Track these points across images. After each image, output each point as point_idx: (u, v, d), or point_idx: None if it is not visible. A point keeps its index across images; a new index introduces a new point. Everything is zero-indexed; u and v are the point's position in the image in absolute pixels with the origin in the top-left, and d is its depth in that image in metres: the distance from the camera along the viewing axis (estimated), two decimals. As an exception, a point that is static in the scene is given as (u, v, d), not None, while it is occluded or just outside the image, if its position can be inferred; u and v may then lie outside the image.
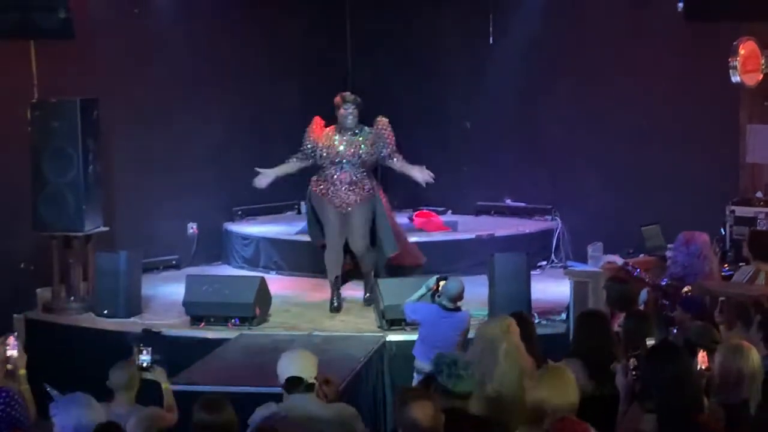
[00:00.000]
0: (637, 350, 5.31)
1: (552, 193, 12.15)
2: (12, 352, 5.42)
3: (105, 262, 9.80)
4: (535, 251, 11.23)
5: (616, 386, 5.31)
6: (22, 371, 5.45)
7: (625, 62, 11.44)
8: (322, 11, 13.14)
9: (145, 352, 6.16)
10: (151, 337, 6.98)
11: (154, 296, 10.42)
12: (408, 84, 13.02)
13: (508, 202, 12.65)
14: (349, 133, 9.75)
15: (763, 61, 10.33)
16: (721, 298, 7.07)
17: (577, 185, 11.89)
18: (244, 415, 5.33)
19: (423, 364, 7.54)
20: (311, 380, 5.42)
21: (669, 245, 9.33)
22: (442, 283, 7.89)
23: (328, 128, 9.85)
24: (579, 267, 9.67)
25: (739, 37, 10.25)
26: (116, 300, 9.69)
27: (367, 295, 9.91)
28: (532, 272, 9.73)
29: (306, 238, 10.53)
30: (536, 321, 9.01)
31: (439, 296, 7.81)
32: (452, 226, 11.99)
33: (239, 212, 12.45)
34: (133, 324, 9.36)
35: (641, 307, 7.38)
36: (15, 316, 9.84)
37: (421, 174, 10.04)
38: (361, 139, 9.76)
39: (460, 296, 7.76)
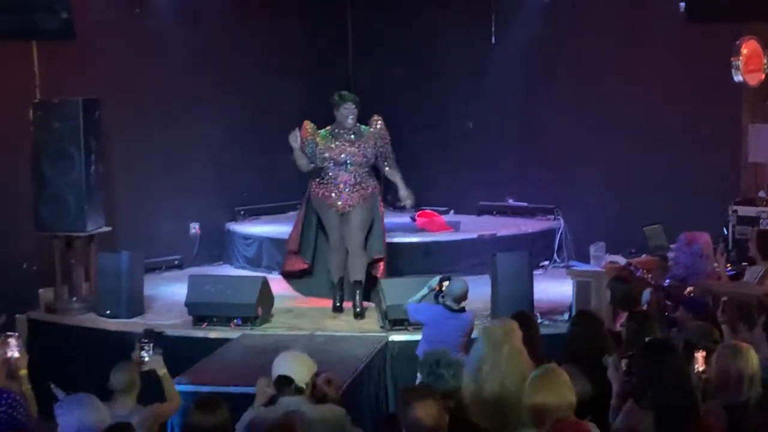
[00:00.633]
0: (630, 351, 5.30)
1: (554, 193, 12.14)
2: (13, 352, 5.42)
3: (107, 262, 9.80)
4: (538, 251, 11.23)
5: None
6: (24, 371, 5.45)
7: (627, 62, 11.43)
8: (322, 11, 13.14)
9: (146, 348, 6.17)
10: (153, 338, 6.98)
11: (156, 296, 10.42)
12: (409, 84, 13.01)
13: (511, 201, 12.64)
14: (350, 133, 9.64)
15: (765, 61, 10.34)
16: (724, 298, 7.06)
17: (579, 185, 11.88)
18: (246, 415, 5.34)
19: None
20: (302, 384, 5.41)
21: (671, 245, 9.32)
22: (445, 283, 7.87)
23: (322, 130, 9.67)
24: (581, 267, 9.68)
25: (741, 37, 10.25)
26: (118, 300, 9.69)
27: (358, 310, 9.58)
28: (534, 272, 9.73)
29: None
30: (539, 321, 9.04)
31: (443, 297, 7.79)
32: (454, 226, 11.97)
33: (241, 212, 12.45)
34: (135, 324, 9.35)
35: (644, 308, 7.37)
36: (17, 316, 9.84)
37: (406, 193, 9.92)
38: (363, 138, 9.66)
39: (464, 297, 7.75)
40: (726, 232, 10.12)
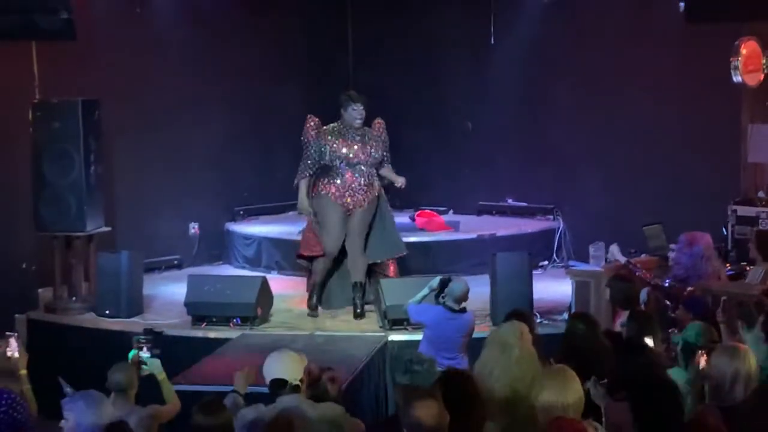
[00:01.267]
0: (603, 379, 5.33)
1: (553, 193, 12.15)
2: (13, 352, 5.42)
3: (106, 262, 9.80)
4: (537, 251, 11.23)
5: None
6: (23, 371, 5.44)
7: (627, 63, 11.44)
8: (323, 12, 13.14)
9: (144, 348, 6.17)
10: (152, 337, 6.99)
11: (155, 296, 10.42)
12: (409, 84, 13.02)
13: (510, 201, 12.65)
14: (357, 134, 9.56)
15: (764, 61, 10.34)
16: (723, 298, 7.07)
17: (578, 185, 11.89)
18: (246, 415, 5.33)
19: None
20: (296, 382, 5.43)
21: (671, 245, 9.33)
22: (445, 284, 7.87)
23: (327, 126, 9.59)
24: (581, 267, 9.68)
25: (741, 37, 10.25)
26: (118, 300, 9.69)
27: (358, 310, 9.55)
28: (533, 272, 9.73)
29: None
30: (538, 321, 9.05)
31: (443, 298, 7.78)
32: (454, 226, 11.98)
33: (241, 212, 12.46)
34: (134, 324, 9.35)
35: (642, 307, 7.38)
36: (17, 316, 9.85)
37: (396, 177, 9.82)
38: (369, 140, 9.59)
39: (465, 297, 7.73)
40: (725, 232, 10.12)
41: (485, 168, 12.68)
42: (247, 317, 9.22)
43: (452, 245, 11.41)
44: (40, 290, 10.21)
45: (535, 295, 9.33)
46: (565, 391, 4.72)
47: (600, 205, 11.57)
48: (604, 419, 5.10)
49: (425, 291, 8.01)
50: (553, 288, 10.20)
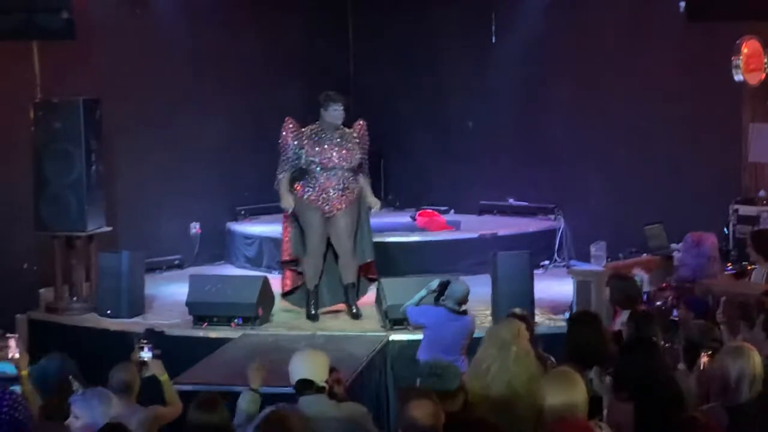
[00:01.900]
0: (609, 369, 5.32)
1: (555, 193, 12.14)
2: (14, 353, 5.42)
3: (108, 262, 9.80)
4: (538, 250, 11.21)
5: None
6: (24, 372, 5.44)
7: (628, 61, 11.43)
8: (324, 11, 13.14)
9: (146, 348, 6.17)
10: (153, 337, 7.00)
11: (156, 296, 10.42)
12: (410, 84, 13.02)
13: (511, 201, 12.64)
14: (336, 135, 9.39)
15: (765, 60, 10.35)
16: (723, 298, 7.06)
17: (579, 184, 11.89)
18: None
19: None
20: (322, 383, 5.42)
21: (672, 245, 9.32)
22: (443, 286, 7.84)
23: (305, 129, 9.45)
24: (582, 266, 9.68)
25: (742, 36, 10.25)
26: (119, 300, 9.69)
27: (354, 311, 9.51)
28: (535, 271, 9.71)
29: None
30: (539, 320, 9.06)
31: (444, 299, 7.75)
32: (455, 226, 11.98)
33: (242, 212, 12.45)
34: (135, 324, 9.35)
35: (644, 299, 7.39)
36: (18, 316, 9.85)
37: (374, 200, 9.65)
38: (348, 143, 9.41)
39: (465, 299, 7.71)
40: (727, 232, 10.12)
41: (486, 167, 12.68)
42: (248, 317, 9.21)
43: (453, 245, 11.40)
44: (41, 290, 10.22)
45: (537, 295, 9.32)
46: (572, 391, 4.72)
47: (601, 204, 11.58)
48: (605, 415, 5.10)
49: (423, 293, 7.99)
50: (554, 287, 10.19)
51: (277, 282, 9.97)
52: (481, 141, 12.69)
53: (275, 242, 11.44)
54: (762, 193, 10.53)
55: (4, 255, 10.11)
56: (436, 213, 12.34)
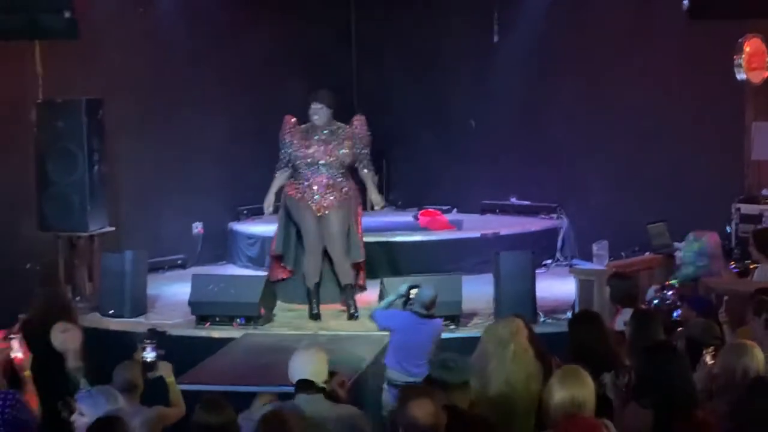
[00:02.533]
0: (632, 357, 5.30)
1: (557, 192, 12.14)
2: (17, 354, 5.42)
3: (110, 262, 9.80)
4: (541, 249, 11.21)
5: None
6: (27, 373, 5.45)
7: (630, 60, 11.43)
8: (327, 9, 13.14)
9: (149, 348, 6.17)
10: (156, 337, 7.00)
11: (159, 296, 10.43)
12: (412, 83, 13.02)
13: (514, 200, 12.64)
14: (324, 132, 9.42)
15: (768, 59, 10.32)
16: (725, 297, 7.05)
17: (582, 183, 11.88)
18: (250, 414, 5.34)
19: (395, 373, 7.44)
20: (322, 384, 5.41)
21: (675, 243, 9.31)
22: (413, 291, 7.77)
23: (301, 126, 9.51)
24: (584, 265, 9.67)
25: (745, 35, 10.24)
26: (121, 300, 9.69)
27: (351, 311, 9.48)
28: (537, 270, 9.71)
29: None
30: (542, 320, 9.06)
31: (411, 304, 7.69)
32: (457, 225, 11.98)
33: (244, 212, 12.45)
34: (138, 324, 9.36)
35: (646, 306, 7.37)
36: (20, 316, 9.82)
37: (378, 198, 9.70)
38: (336, 139, 9.43)
39: (433, 303, 7.66)
40: (729, 230, 10.11)
41: (488, 166, 12.68)
42: (250, 317, 9.22)
43: (455, 244, 11.39)
44: (44, 290, 10.21)
45: (539, 294, 9.32)
46: (580, 389, 4.72)
47: (603, 203, 11.57)
48: (615, 417, 5.08)
49: (392, 297, 7.99)
50: (556, 287, 10.19)
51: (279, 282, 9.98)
52: (484, 140, 12.69)
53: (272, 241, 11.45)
54: (765, 191, 10.52)
55: (7, 255, 10.11)
56: (438, 212, 12.33)
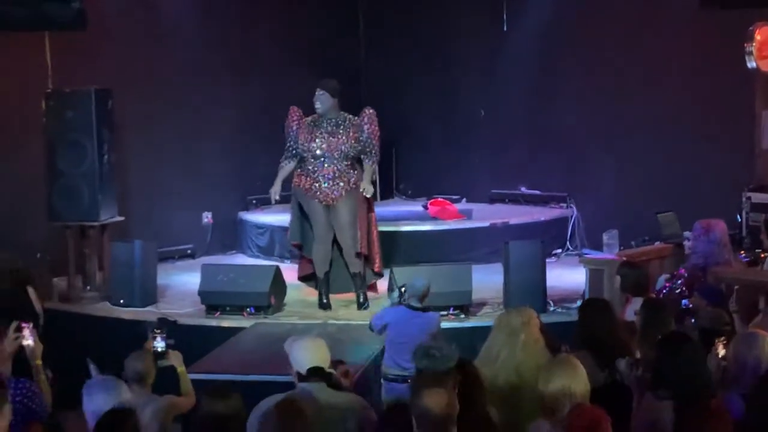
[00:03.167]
0: (644, 342, 5.28)
1: (567, 181, 12.12)
2: (28, 341, 5.43)
3: (120, 251, 9.82)
4: (550, 239, 11.22)
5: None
6: (39, 361, 5.46)
7: (640, 49, 11.40)
8: (334, 1, 13.12)
9: (159, 338, 6.18)
10: (166, 326, 7.01)
11: (169, 285, 10.45)
12: (421, 72, 13.01)
13: (523, 189, 12.63)
14: (329, 123, 9.36)
15: (778, 47, 10.28)
16: (736, 287, 7.03)
17: (592, 173, 11.86)
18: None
19: (390, 367, 7.35)
20: (329, 369, 5.42)
21: (685, 232, 9.29)
22: (403, 290, 7.71)
23: (307, 118, 9.48)
24: (594, 254, 9.67)
25: (755, 23, 10.20)
26: (132, 289, 9.71)
27: (361, 300, 9.49)
28: (547, 260, 9.69)
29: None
30: (551, 309, 9.05)
31: (405, 298, 7.59)
32: (467, 214, 11.97)
33: (254, 201, 12.46)
34: (148, 313, 9.38)
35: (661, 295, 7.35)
36: (31, 305, 9.87)
37: (367, 185, 9.42)
38: (341, 131, 9.38)
39: (426, 294, 7.55)
40: (740, 219, 10.08)
41: (498, 156, 12.67)
42: (260, 306, 9.23)
43: (465, 234, 11.39)
44: (54, 279, 10.25)
45: (549, 284, 9.31)
46: (573, 379, 4.72)
47: (613, 192, 11.55)
48: (635, 408, 5.06)
49: (388, 303, 7.98)
50: (566, 276, 10.17)
51: (288, 271, 10.00)
52: (493, 129, 12.67)
53: (287, 232, 11.45)
54: (776, 180, 10.50)
55: (18, 245, 10.12)
56: (447, 202, 12.33)
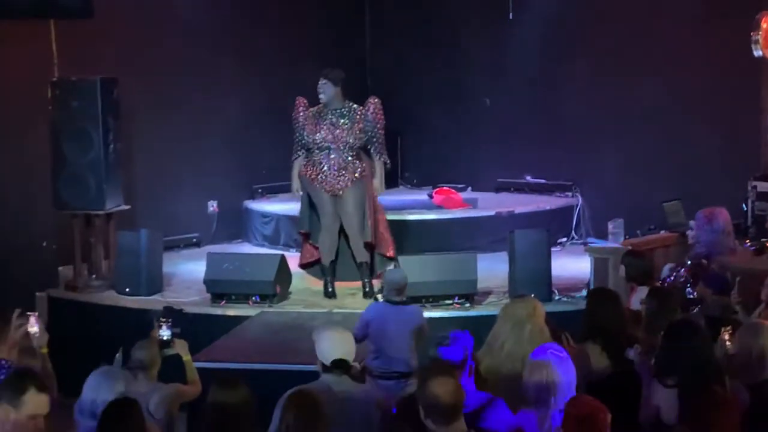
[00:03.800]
0: (651, 332, 5.29)
1: (572, 170, 12.11)
2: (34, 329, 5.45)
3: (126, 240, 9.84)
4: (556, 228, 11.21)
5: (632, 362, 5.33)
6: (45, 350, 5.48)
7: (645, 38, 11.37)
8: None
9: (164, 326, 6.20)
10: (172, 315, 7.03)
11: (174, 274, 10.46)
12: (427, 61, 12.99)
13: (528, 178, 12.62)
14: (334, 113, 9.38)
15: (785, 36, 10.25)
16: (738, 278, 7.02)
17: (597, 161, 11.85)
18: (265, 392, 5.34)
19: (376, 366, 7.20)
20: (353, 362, 5.43)
21: (691, 221, 9.29)
22: (379, 296, 7.65)
23: (313, 108, 9.49)
24: (599, 243, 9.66)
25: (761, 11, 10.17)
26: (137, 278, 9.73)
27: (367, 289, 9.47)
28: (552, 249, 9.69)
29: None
30: (557, 298, 9.06)
31: (384, 294, 7.51)
32: (472, 203, 11.97)
33: (259, 190, 12.47)
34: (154, 302, 9.39)
35: (662, 283, 7.35)
36: (38, 294, 9.91)
37: (378, 184, 9.57)
38: (346, 122, 9.37)
39: (405, 286, 7.44)
40: (745, 208, 10.07)
41: (503, 145, 12.65)
42: (266, 295, 9.23)
43: (470, 222, 11.39)
44: (60, 268, 10.27)
45: (554, 273, 9.31)
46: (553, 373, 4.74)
47: (619, 181, 11.54)
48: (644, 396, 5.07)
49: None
50: (571, 265, 10.17)
51: (294, 260, 10.00)
52: (498, 118, 12.65)
53: (292, 220, 11.45)
54: (782, 169, 10.48)
55: (24, 233, 10.17)
56: (452, 191, 12.32)
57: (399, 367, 7.11)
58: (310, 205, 9.66)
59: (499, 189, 12.69)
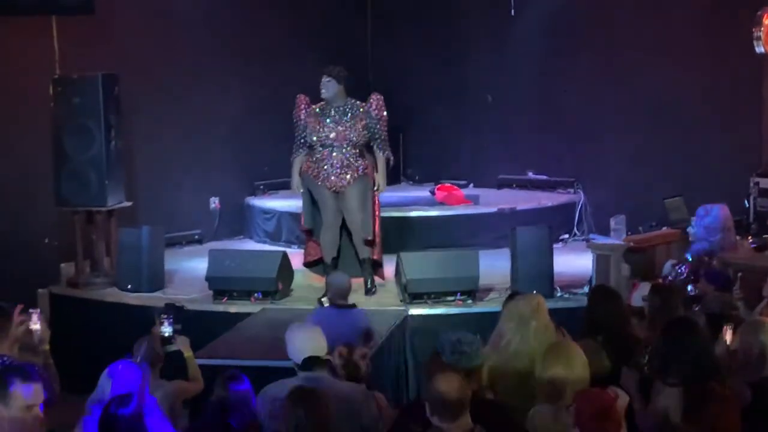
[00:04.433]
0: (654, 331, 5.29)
1: (574, 166, 12.10)
2: (36, 326, 5.45)
3: (128, 237, 9.83)
4: (558, 224, 11.21)
5: (633, 360, 5.33)
6: (47, 347, 5.47)
7: (648, 33, 11.36)
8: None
9: (166, 323, 6.20)
10: (174, 312, 7.04)
11: (176, 271, 10.45)
12: (428, 57, 12.97)
13: (531, 175, 12.61)
14: (337, 111, 9.35)
15: (787, 32, 10.24)
16: (740, 274, 7.02)
17: (599, 158, 11.85)
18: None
19: None
20: (326, 356, 5.43)
21: (692, 218, 9.30)
22: (324, 300, 7.52)
23: (315, 106, 9.46)
24: (601, 240, 9.66)
25: (763, 7, 10.17)
26: (139, 275, 9.72)
27: (368, 286, 9.44)
28: (554, 246, 9.69)
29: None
30: (558, 294, 9.06)
31: (328, 298, 7.46)
32: (474, 200, 11.97)
33: (261, 186, 12.47)
34: (156, 298, 9.39)
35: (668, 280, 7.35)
36: (39, 291, 9.91)
37: (380, 181, 9.52)
38: (349, 119, 9.34)
39: (349, 290, 7.42)
40: (747, 205, 10.07)
41: (505, 141, 12.65)
42: (268, 291, 9.23)
43: (472, 219, 11.39)
44: (62, 265, 10.27)
45: (556, 269, 9.30)
46: (567, 366, 4.73)
47: (621, 178, 11.53)
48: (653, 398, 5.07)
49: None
50: (573, 262, 10.16)
51: (296, 256, 10.00)
52: (500, 114, 12.65)
53: (294, 217, 11.46)
54: (784, 165, 10.47)
55: (26, 230, 10.17)
56: (454, 187, 12.31)
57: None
58: (312, 202, 9.66)
59: (501, 185, 12.69)
